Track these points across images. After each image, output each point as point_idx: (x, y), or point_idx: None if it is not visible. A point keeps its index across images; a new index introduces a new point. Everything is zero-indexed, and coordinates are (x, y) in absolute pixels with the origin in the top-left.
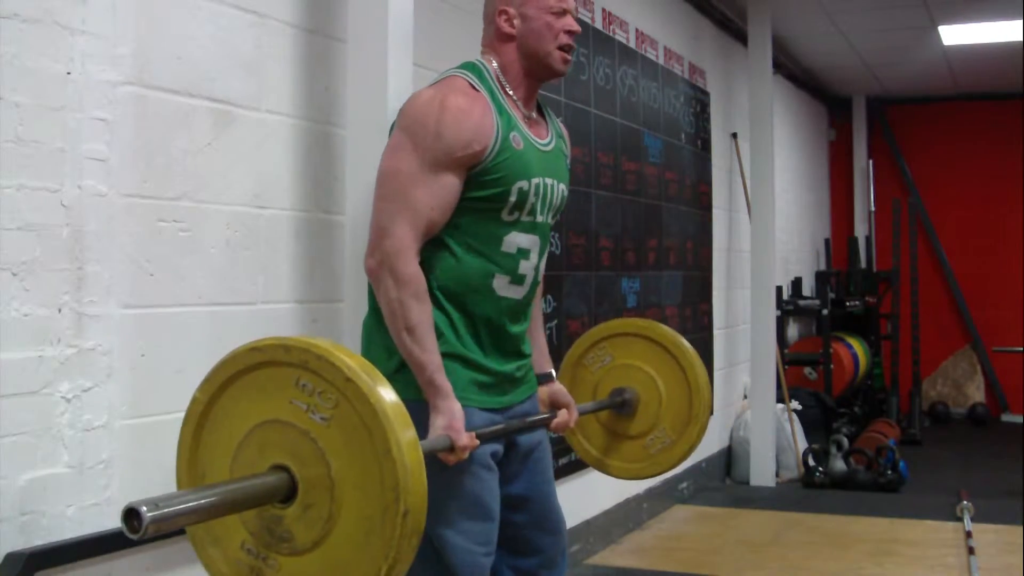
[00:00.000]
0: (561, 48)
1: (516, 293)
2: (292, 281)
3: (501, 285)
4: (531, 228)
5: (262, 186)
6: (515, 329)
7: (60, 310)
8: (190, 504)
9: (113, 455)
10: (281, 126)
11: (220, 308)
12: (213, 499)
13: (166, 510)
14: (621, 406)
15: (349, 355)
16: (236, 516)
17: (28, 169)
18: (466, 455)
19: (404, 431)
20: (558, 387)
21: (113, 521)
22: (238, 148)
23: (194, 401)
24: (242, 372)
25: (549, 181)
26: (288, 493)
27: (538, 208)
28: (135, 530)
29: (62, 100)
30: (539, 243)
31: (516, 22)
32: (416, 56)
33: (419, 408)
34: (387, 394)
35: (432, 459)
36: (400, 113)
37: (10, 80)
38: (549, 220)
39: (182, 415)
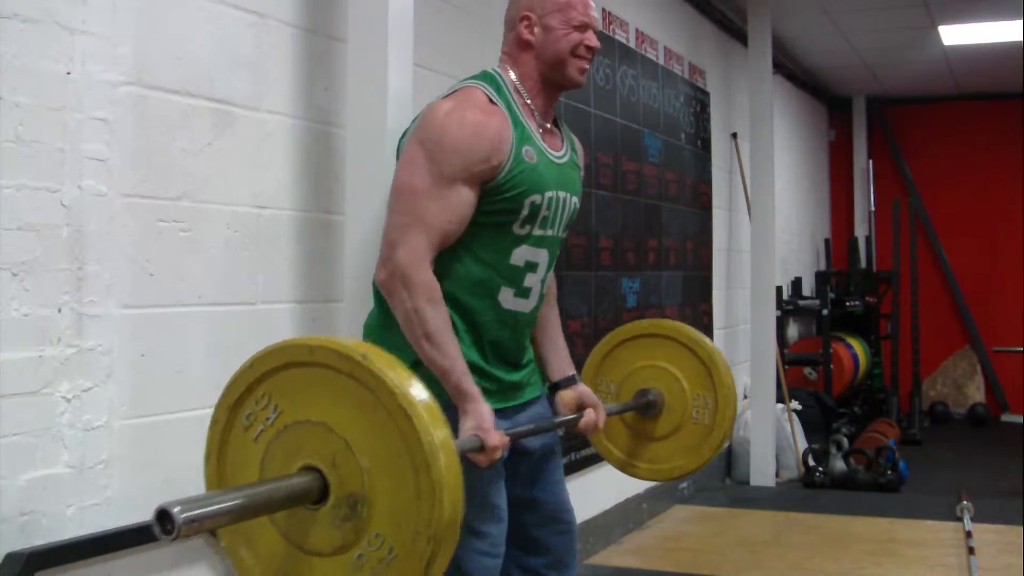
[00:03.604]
0: (577, 56)
1: (522, 306)
2: (292, 281)
3: (507, 298)
4: (541, 241)
5: (262, 186)
6: (519, 341)
7: (60, 310)
8: (222, 505)
9: (113, 455)
10: (281, 126)
11: (220, 308)
12: (244, 500)
13: (199, 511)
14: (646, 407)
15: (380, 355)
16: (267, 517)
17: (28, 169)
18: (497, 455)
19: (438, 430)
20: (583, 388)
21: (113, 521)
22: (238, 148)
23: (220, 405)
24: (272, 372)
25: (563, 195)
26: (320, 495)
27: (550, 221)
28: (168, 532)
29: (62, 100)
30: (547, 257)
31: (537, 30)
32: (416, 56)
33: None
34: (419, 393)
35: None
36: (417, 125)
37: (10, 80)
38: (560, 233)
39: (182, 415)
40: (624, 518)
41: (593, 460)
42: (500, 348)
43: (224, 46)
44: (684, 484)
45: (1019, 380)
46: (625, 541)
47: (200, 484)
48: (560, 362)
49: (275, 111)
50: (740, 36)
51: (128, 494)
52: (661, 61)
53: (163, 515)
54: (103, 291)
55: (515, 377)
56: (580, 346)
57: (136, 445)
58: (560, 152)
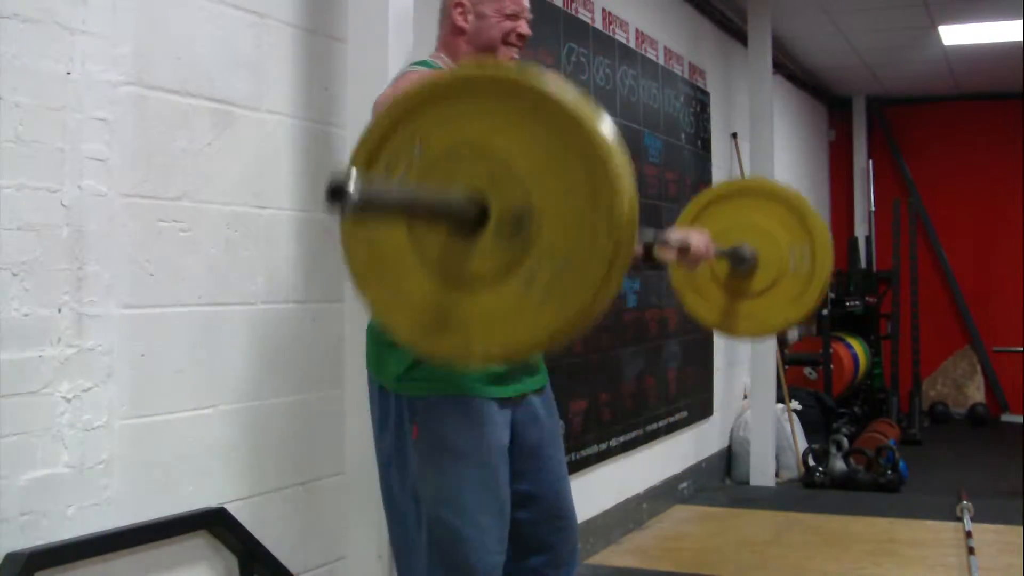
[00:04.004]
0: (508, 44)
1: None
2: (292, 281)
3: None
4: None
5: (262, 186)
6: None
7: (60, 310)
8: (393, 193)
9: (113, 455)
10: (281, 126)
11: (220, 308)
12: (411, 194)
13: (373, 189)
14: (741, 261)
15: (559, 85)
16: (418, 262)
17: (28, 169)
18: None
19: (606, 126)
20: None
21: (113, 521)
22: (238, 148)
23: (389, 110)
24: (456, 92)
25: None
26: (479, 219)
27: None
28: (340, 201)
29: (62, 100)
30: None
31: (471, 18)
32: (416, 56)
33: (431, 405)
34: (577, 96)
35: (453, 454)
36: None
37: (10, 80)
38: None
39: (182, 415)
40: (624, 518)
41: (593, 460)
42: None
43: (224, 46)
44: (684, 484)
45: (1019, 380)
46: (625, 541)
47: (200, 484)
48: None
49: (275, 111)
50: (740, 36)
51: (128, 494)
52: (661, 61)
53: (337, 190)
54: (103, 291)
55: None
56: (579, 345)
57: (136, 445)
58: None
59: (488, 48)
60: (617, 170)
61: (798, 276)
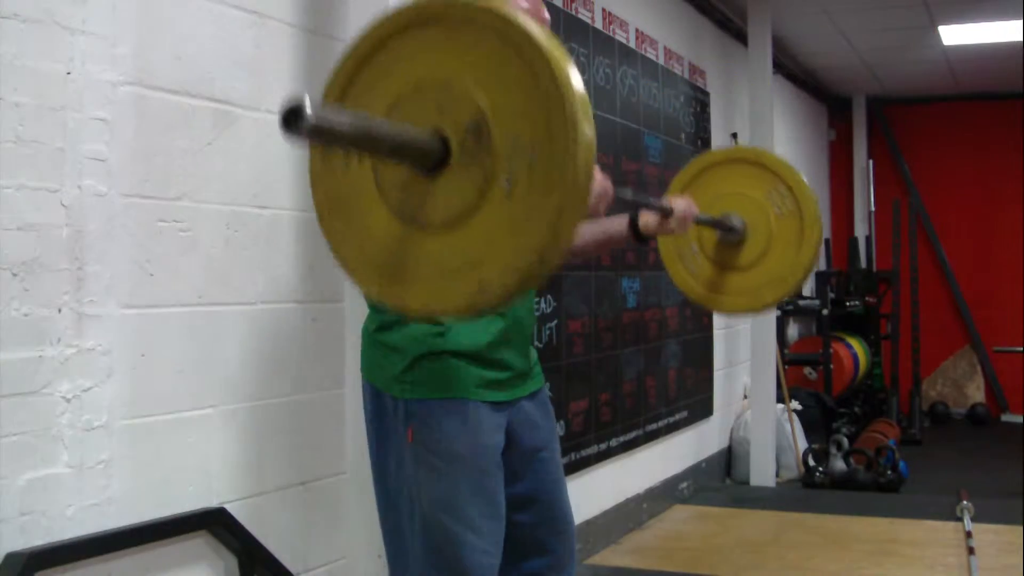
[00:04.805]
0: None
1: None
2: (292, 281)
3: None
4: None
5: (262, 186)
6: (521, 323)
7: (60, 310)
8: (350, 120)
9: (113, 455)
10: None
11: (220, 308)
12: (371, 124)
13: (329, 115)
14: (729, 232)
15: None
16: (379, 198)
17: (28, 169)
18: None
19: (567, 63)
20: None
21: (113, 521)
22: (238, 148)
23: (325, 94)
24: (375, 49)
25: None
26: (441, 156)
27: None
28: (295, 124)
29: (62, 100)
30: None
31: None
32: None
33: (426, 408)
34: (533, 26)
35: (448, 457)
36: None
37: (10, 80)
38: None
39: (182, 415)
40: (624, 518)
41: (593, 460)
42: (503, 332)
43: (224, 46)
44: (684, 484)
45: (1019, 380)
46: (625, 541)
47: (200, 484)
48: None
49: (275, 111)
50: (740, 36)
51: (128, 494)
52: (661, 61)
53: (294, 112)
54: (103, 291)
55: (522, 363)
56: (579, 346)
57: (136, 445)
58: None
59: None
60: (553, 54)
61: (785, 251)
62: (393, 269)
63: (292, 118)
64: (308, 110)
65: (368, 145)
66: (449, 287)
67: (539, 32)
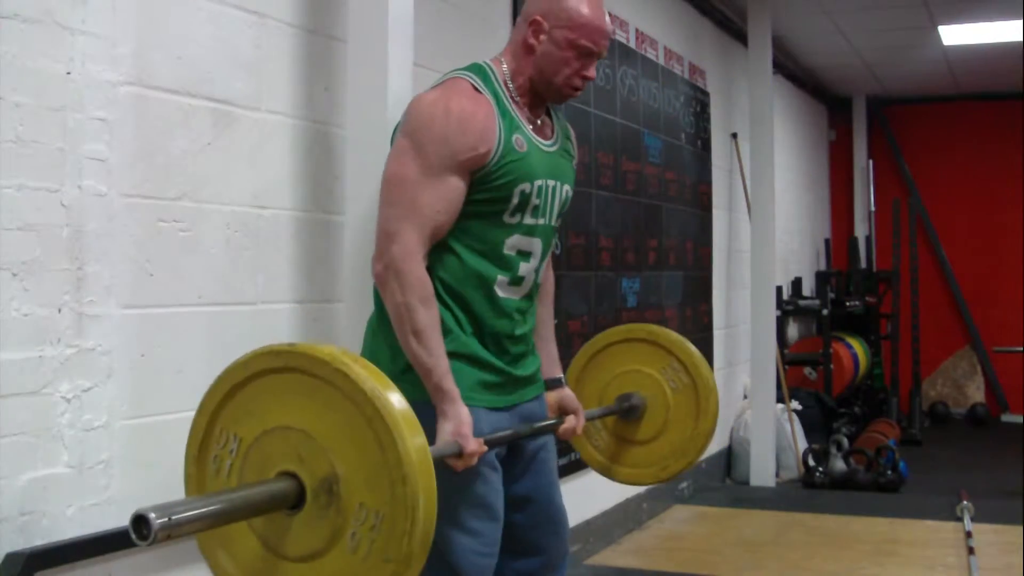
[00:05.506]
0: (570, 86)
1: (516, 294)
2: (292, 281)
3: (502, 286)
4: (533, 230)
5: (262, 186)
6: (518, 331)
7: (60, 310)
8: (199, 511)
9: (113, 455)
10: (281, 126)
11: (220, 308)
12: (221, 506)
13: (175, 517)
14: (628, 412)
15: (357, 360)
16: (247, 522)
17: (28, 169)
18: (474, 461)
19: (414, 437)
20: (567, 392)
21: (113, 521)
22: (238, 148)
23: (187, 458)
24: (251, 378)
25: (552, 183)
26: (296, 500)
27: (540, 210)
28: (144, 537)
29: (62, 100)
30: (541, 246)
31: (543, 38)
32: (416, 56)
33: (426, 409)
34: (396, 400)
35: (440, 462)
36: (404, 116)
37: (10, 80)
38: (552, 222)
39: (182, 415)
40: (624, 518)
41: None
42: (500, 339)
43: (224, 46)
44: (684, 484)
45: (1019, 380)
46: (625, 541)
47: None
48: (549, 363)
49: (275, 111)
50: (740, 36)
51: (128, 494)
52: (661, 61)
53: (139, 520)
54: (103, 291)
55: (517, 370)
56: (579, 345)
57: (136, 445)
58: (550, 141)
59: (547, 80)
60: (400, 431)
61: (683, 429)
62: None
63: (138, 528)
64: (153, 522)
65: (226, 519)
66: None
67: (392, 406)
